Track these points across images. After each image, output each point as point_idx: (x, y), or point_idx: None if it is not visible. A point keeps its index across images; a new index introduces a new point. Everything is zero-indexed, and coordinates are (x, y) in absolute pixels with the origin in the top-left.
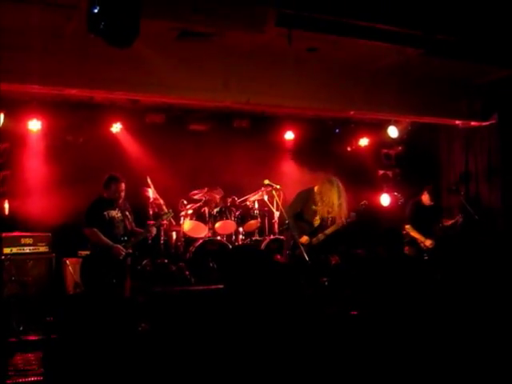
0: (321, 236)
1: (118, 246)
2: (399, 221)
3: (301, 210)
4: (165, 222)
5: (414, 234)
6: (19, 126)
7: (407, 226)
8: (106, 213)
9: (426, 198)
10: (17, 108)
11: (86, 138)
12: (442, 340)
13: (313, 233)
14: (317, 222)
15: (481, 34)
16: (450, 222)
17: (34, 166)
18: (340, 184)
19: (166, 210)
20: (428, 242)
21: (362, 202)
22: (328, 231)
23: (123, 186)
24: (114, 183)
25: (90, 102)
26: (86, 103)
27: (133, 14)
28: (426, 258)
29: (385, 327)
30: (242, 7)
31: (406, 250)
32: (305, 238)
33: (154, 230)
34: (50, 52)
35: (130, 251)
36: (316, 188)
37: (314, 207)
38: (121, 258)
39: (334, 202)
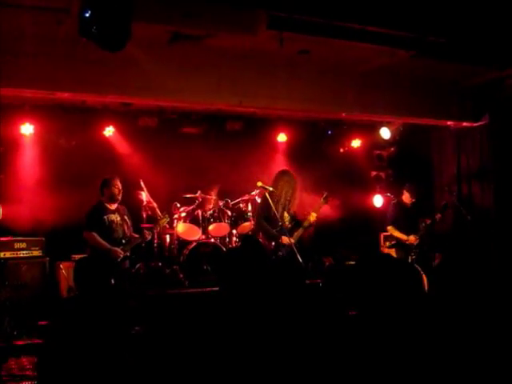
0: (299, 232)
1: (116, 248)
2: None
3: (267, 213)
4: (160, 228)
5: (397, 234)
6: (11, 130)
7: (389, 228)
8: (105, 217)
9: (406, 197)
10: (9, 112)
11: (78, 142)
12: (436, 340)
13: (289, 232)
14: (286, 218)
15: (471, 36)
16: (428, 221)
17: (27, 170)
18: (293, 175)
19: (160, 214)
20: (411, 239)
21: (324, 195)
22: (305, 224)
23: (118, 181)
24: (109, 181)
25: (83, 105)
26: (78, 107)
27: (124, 17)
28: (414, 257)
29: (382, 328)
30: (233, 10)
31: (393, 252)
32: (285, 239)
33: (149, 236)
34: (42, 56)
35: (128, 254)
36: (272, 186)
37: (278, 205)
38: (119, 260)
39: (289, 192)
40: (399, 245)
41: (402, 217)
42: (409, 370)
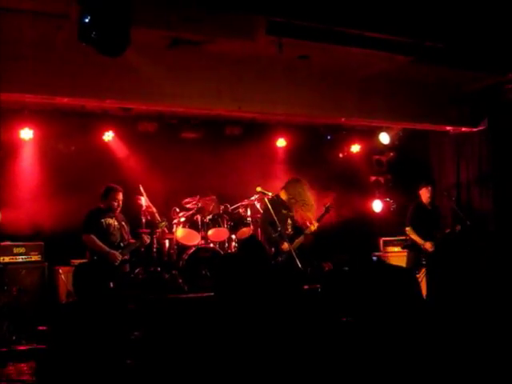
0: (300, 239)
1: (114, 252)
2: (391, 226)
3: (271, 218)
4: (158, 230)
5: (414, 236)
6: (11, 134)
7: (407, 229)
8: (103, 220)
9: (424, 197)
10: (8, 117)
11: (77, 147)
12: (437, 346)
13: (289, 239)
14: (289, 226)
15: (470, 41)
16: (447, 230)
17: (26, 175)
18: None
19: (159, 219)
20: (428, 245)
21: (327, 205)
22: (306, 232)
23: (120, 195)
24: (111, 192)
25: (82, 110)
26: (77, 112)
27: (124, 22)
28: (424, 262)
29: (379, 334)
30: (232, 16)
31: (406, 254)
32: (285, 245)
33: (148, 239)
34: (41, 61)
35: (127, 258)
36: (283, 192)
37: (284, 211)
38: (116, 263)
39: (307, 199)
40: (413, 247)
41: (422, 219)
42: (406, 375)
